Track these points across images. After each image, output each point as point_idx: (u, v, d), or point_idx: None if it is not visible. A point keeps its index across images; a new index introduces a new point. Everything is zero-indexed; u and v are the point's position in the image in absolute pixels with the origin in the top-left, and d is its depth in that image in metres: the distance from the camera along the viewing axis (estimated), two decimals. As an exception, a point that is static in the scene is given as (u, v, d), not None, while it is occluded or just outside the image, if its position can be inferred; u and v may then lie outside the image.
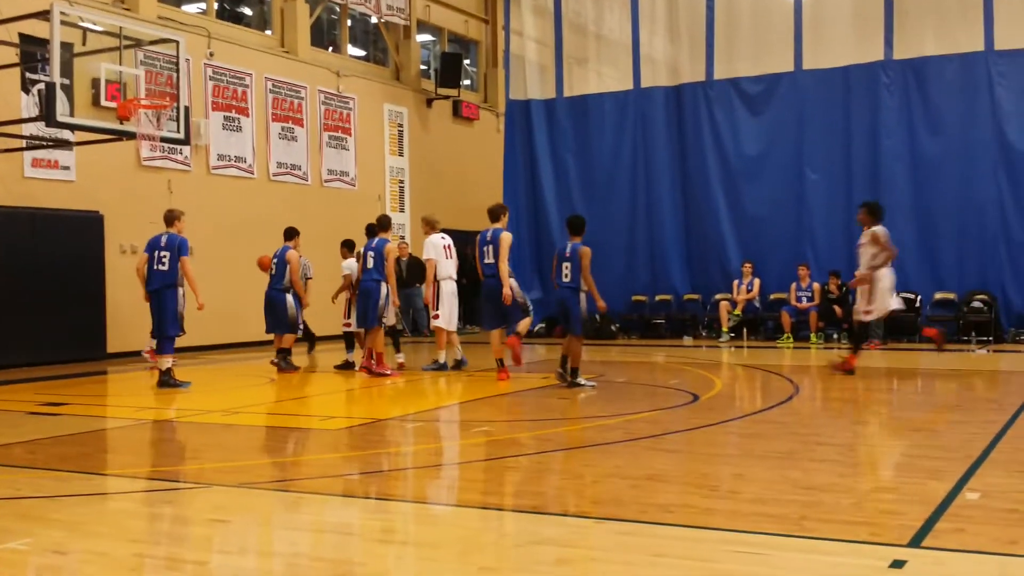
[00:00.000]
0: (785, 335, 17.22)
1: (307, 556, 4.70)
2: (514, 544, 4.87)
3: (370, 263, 12.15)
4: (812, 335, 17.12)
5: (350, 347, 13.21)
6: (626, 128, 19.73)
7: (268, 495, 5.93)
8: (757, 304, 17.98)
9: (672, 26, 19.55)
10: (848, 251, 17.73)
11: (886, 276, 11.63)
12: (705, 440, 7.65)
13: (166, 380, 11.04)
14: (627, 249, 19.48)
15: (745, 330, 17.88)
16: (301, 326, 13.57)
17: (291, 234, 13.25)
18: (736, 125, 18.76)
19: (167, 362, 11.10)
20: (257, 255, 13.99)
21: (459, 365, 12.68)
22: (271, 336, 13.24)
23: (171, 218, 11.26)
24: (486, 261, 11.45)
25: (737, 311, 17.82)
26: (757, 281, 17.90)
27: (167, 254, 10.95)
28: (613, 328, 19.10)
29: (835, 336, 17.23)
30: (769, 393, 10.90)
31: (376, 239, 12.33)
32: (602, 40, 20.62)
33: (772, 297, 18.15)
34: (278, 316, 12.95)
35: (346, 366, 13.06)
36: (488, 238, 11.49)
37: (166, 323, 10.99)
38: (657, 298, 19.41)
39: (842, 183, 17.83)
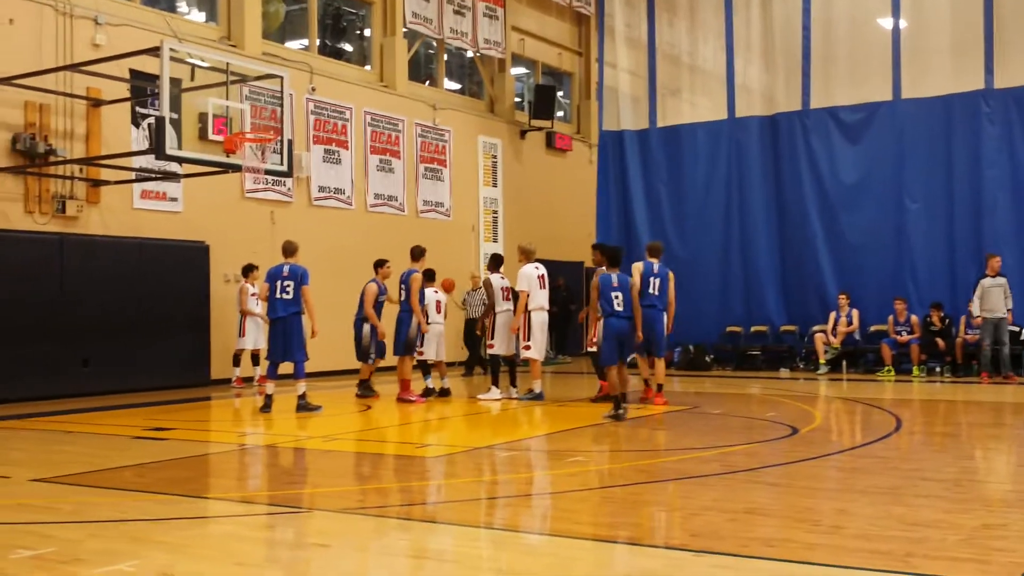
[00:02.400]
0: (886, 368, 16.77)
1: (405, 582, 4.75)
2: (608, 575, 4.84)
3: (402, 294, 12.67)
4: (914, 368, 16.65)
5: (426, 374, 13.32)
6: (720, 158, 19.59)
7: (367, 520, 6.01)
8: (857, 336, 17.58)
9: (767, 55, 19.41)
10: (950, 282, 17.29)
11: None
12: (805, 474, 7.49)
13: (302, 404, 11.41)
14: (721, 279, 19.29)
15: (844, 362, 17.48)
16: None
17: (378, 264, 13.54)
18: (833, 154, 18.48)
19: (302, 386, 11.56)
20: (354, 284, 14.27)
21: (537, 396, 12.70)
22: (381, 363, 13.59)
23: (291, 249, 11.78)
24: (649, 291, 11.98)
25: (835, 344, 17.44)
26: (856, 312, 17.50)
27: (291, 283, 11.43)
28: (707, 359, 18.87)
29: (938, 369, 16.72)
30: (870, 427, 10.62)
31: (407, 271, 12.78)
32: (696, 70, 20.56)
33: (872, 329, 17.72)
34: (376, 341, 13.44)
35: (427, 393, 13.21)
36: (654, 271, 12.12)
37: (293, 349, 11.46)
38: (752, 329, 19.13)
39: (943, 213, 17.42)
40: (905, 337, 16.85)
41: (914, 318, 16.91)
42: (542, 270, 12.89)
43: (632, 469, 7.79)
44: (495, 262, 13.55)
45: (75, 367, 13.74)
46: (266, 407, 11.48)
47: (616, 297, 10.92)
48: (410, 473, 8.03)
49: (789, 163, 18.85)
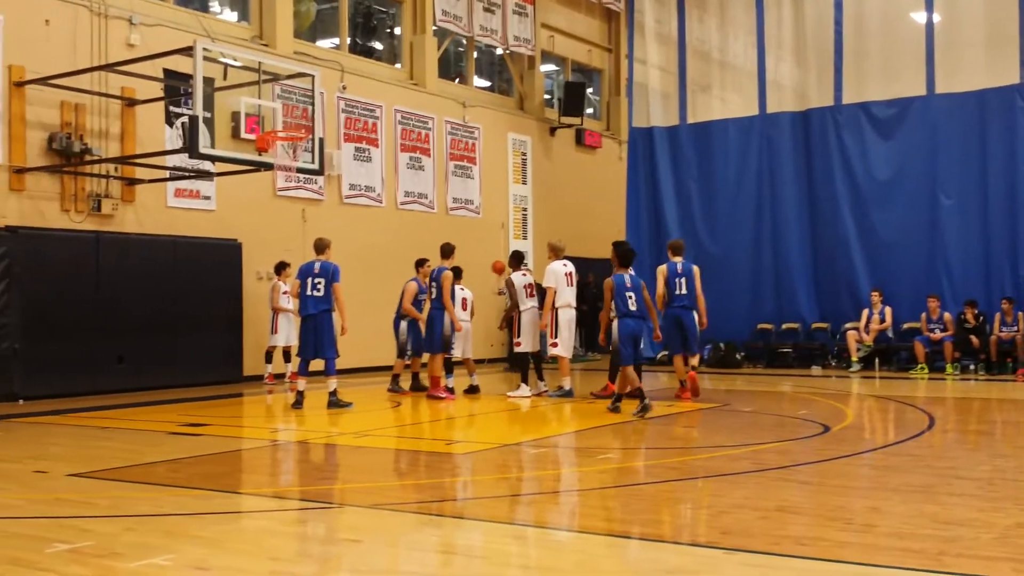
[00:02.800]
0: (919, 365, 16.63)
1: (436, 577, 4.79)
2: (639, 572, 4.85)
3: (434, 292, 12.75)
4: (948, 366, 16.50)
5: (449, 372, 13.30)
6: (751, 154, 19.49)
7: (397, 516, 6.05)
8: (889, 334, 17.43)
9: (799, 51, 19.29)
10: (984, 278, 17.11)
11: None
12: (837, 472, 7.46)
13: (333, 401, 11.51)
14: (752, 276, 19.20)
15: (876, 360, 17.34)
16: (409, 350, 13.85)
17: (419, 263, 13.69)
18: (866, 150, 18.34)
19: (333, 383, 11.66)
20: (384, 282, 14.39)
21: (567, 393, 12.72)
22: (423, 359, 13.65)
23: (323, 246, 11.84)
24: (678, 292, 12.22)
25: (868, 342, 17.30)
26: (888, 310, 17.36)
27: (321, 280, 11.48)
28: (738, 356, 18.79)
29: (972, 367, 16.55)
30: (903, 425, 10.55)
31: (437, 268, 12.88)
32: (727, 66, 20.46)
33: (905, 326, 17.57)
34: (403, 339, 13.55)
35: (472, 390, 13.28)
36: (679, 271, 12.34)
37: (324, 346, 11.55)
38: (783, 326, 19.03)
39: (977, 209, 17.25)
40: (939, 335, 16.70)
41: (948, 315, 16.75)
42: (570, 267, 12.88)
43: (662, 466, 7.79)
44: (516, 259, 13.57)
45: (111, 363, 13.91)
46: (298, 404, 11.57)
47: (630, 297, 10.97)
48: (440, 469, 8.07)
49: (821, 159, 18.73)
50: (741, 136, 19.60)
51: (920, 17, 18.01)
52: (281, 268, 15.31)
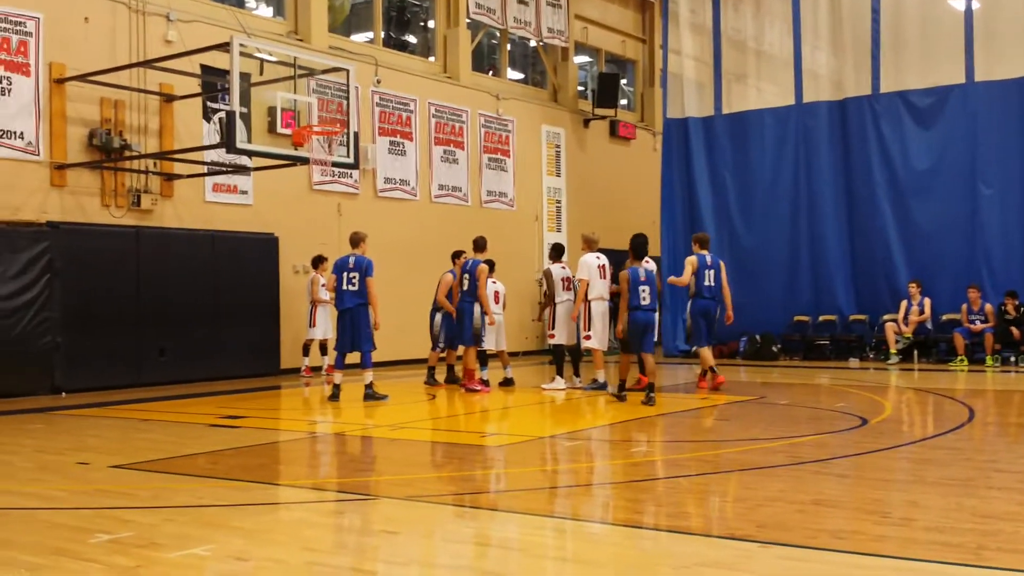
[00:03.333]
0: (959, 357, 16.43)
1: (469, 569, 4.82)
2: (675, 565, 4.84)
3: (466, 284, 12.79)
4: (988, 358, 16.29)
5: (484, 364, 13.30)
6: (787, 144, 19.33)
7: (433, 508, 6.09)
8: (928, 325, 17.24)
9: (836, 39, 19.08)
10: (1027, 268, 16.87)
11: None
12: (875, 465, 7.40)
13: (369, 393, 11.62)
14: (788, 268, 19.06)
15: (915, 352, 17.16)
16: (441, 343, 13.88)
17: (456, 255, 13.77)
18: (904, 139, 18.13)
19: (369, 376, 11.77)
20: (419, 275, 14.44)
21: (601, 386, 12.69)
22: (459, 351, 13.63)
23: (357, 240, 11.94)
24: (707, 284, 12.44)
25: (907, 333, 17.12)
26: (928, 301, 17.16)
27: (356, 275, 11.60)
28: (774, 349, 18.67)
29: (1012, 359, 16.33)
30: (942, 418, 10.44)
31: (470, 260, 12.91)
32: (762, 56, 20.30)
33: (944, 318, 17.36)
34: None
35: (506, 383, 13.34)
36: (708, 263, 12.53)
37: (361, 340, 11.66)
38: (820, 318, 18.87)
39: (1018, 198, 17.03)
40: (979, 326, 16.49)
41: (988, 306, 16.54)
42: (603, 260, 12.86)
43: (697, 459, 7.77)
44: (556, 252, 13.60)
45: (152, 356, 14.10)
46: (334, 396, 11.67)
47: (643, 291, 11.14)
48: (475, 462, 8.10)
49: (859, 149, 18.53)
50: (777, 126, 19.44)
51: (959, 3, 17.76)
52: (318, 262, 15.42)
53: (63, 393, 12.87)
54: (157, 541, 5.17)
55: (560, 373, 13.11)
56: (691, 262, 12.62)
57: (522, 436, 9.37)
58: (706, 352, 12.62)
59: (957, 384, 13.87)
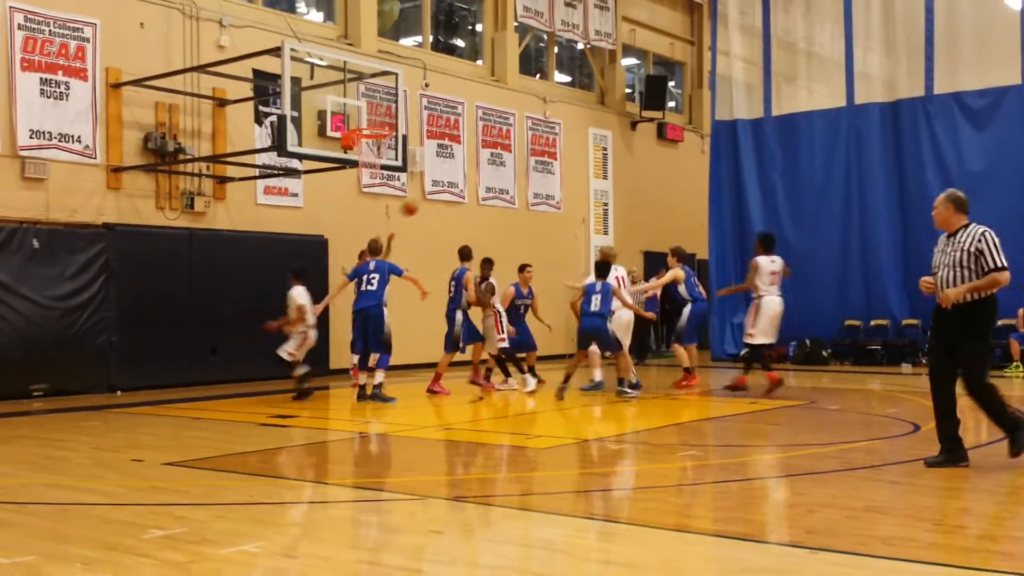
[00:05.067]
0: (1014, 363, 16.12)
1: (514, 570, 4.83)
2: (722, 570, 4.82)
3: (452, 292, 12.95)
4: (1045, 363, 15.97)
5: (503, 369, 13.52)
6: (838, 146, 19.11)
7: (478, 509, 6.12)
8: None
9: (888, 40, 18.83)
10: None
11: None
12: (928, 472, 7.28)
13: (376, 394, 11.77)
14: (839, 272, 18.83)
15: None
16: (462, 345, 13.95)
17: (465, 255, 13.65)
18: (959, 141, 17.83)
19: (380, 376, 11.86)
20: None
21: (598, 386, 12.84)
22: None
23: (377, 248, 12.22)
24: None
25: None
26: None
27: (376, 276, 11.87)
28: (824, 353, 18.46)
29: (1069, 366, 15.98)
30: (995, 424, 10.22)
31: (459, 269, 13.02)
32: (813, 57, 20.09)
33: (999, 323, 16.99)
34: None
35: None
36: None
37: (378, 343, 11.83)
38: (872, 323, 18.62)
39: (1077, 201, 16.63)
40: (1035, 331, 16.16)
41: (1044, 312, 16.19)
42: (621, 271, 13.05)
43: (746, 464, 7.71)
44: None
45: (204, 355, 14.32)
46: (362, 396, 11.83)
47: (594, 299, 11.99)
48: (521, 463, 8.12)
49: (911, 151, 18.27)
50: (828, 128, 19.23)
51: (1015, 3, 17.45)
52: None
53: (118, 391, 13.12)
54: (209, 537, 5.25)
55: (507, 375, 13.41)
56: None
57: (567, 438, 9.36)
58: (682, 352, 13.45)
59: (1012, 391, 13.59)
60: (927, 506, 6.08)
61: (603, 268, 12.38)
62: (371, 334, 11.85)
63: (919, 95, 18.23)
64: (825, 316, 18.61)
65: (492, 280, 13.38)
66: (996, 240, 7.13)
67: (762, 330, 12.60)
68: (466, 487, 6.90)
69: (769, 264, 12.70)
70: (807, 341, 18.59)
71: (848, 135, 18.99)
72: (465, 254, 13.28)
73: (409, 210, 12.92)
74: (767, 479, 7.04)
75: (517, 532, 5.62)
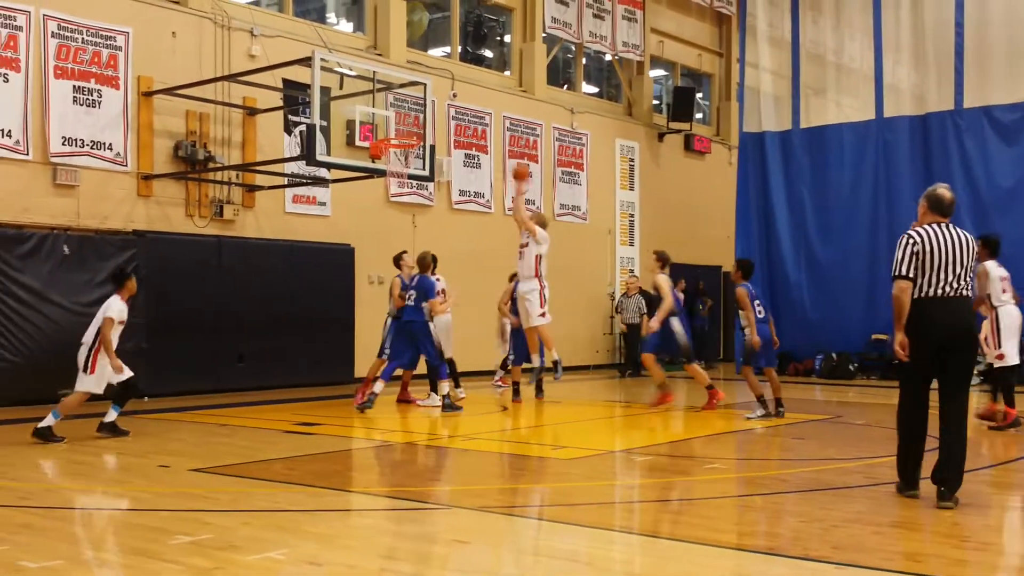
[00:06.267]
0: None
1: (542, 581, 4.84)
2: (748, 584, 4.81)
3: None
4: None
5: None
6: (867, 159, 19.01)
7: (504, 519, 6.13)
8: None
9: (918, 53, 18.73)
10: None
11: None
12: (953, 488, 7.22)
13: (448, 404, 11.95)
14: (867, 285, 18.68)
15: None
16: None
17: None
18: (988, 155, 17.70)
19: (446, 387, 12.09)
20: (493, 287, 14.47)
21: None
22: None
23: (425, 264, 12.32)
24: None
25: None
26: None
27: (415, 293, 12.01)
28: (851, 368, 18.33)
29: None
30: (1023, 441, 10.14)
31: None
32: (842, 69, 20.02)
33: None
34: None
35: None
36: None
37: (428, 355, 12.10)
38: (900, 337, 18.44)
39: (1110, 216, 16.46)
40: (1066, 347, 15.95)
41: (1077, 328, 15.98)
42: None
43: (771, 478, 7.68)
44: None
45: (231, 363, 14.41)
46: (363, 407, 11.85)
47: None
48: (546, 474, 8.13)
49: (940, 165, 18.12)
50: (856, 141, 19.13)
51: (1048, 17, 17.32)
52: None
53: (146, 397, 13.21)
54: (235, 544, 5.29)
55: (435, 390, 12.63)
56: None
57: (594, 450, 9.35)
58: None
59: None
60: (954, 522, 6.02)
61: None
62: (422, 347, 12.03)
63: (948, 108, 18.11)
64: (852, 330, 18.48)
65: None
66: (904, 243, 6.94)
67: (1011, 348, 10.95)
68: (492, 497, 6.91)
69: (999, 270, 11.02)
70: (834, 355, 18.47)
71: (877, 148, 18.88)
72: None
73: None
74: (792, 493, 7.00)
75: (541, 543, 5.62)
